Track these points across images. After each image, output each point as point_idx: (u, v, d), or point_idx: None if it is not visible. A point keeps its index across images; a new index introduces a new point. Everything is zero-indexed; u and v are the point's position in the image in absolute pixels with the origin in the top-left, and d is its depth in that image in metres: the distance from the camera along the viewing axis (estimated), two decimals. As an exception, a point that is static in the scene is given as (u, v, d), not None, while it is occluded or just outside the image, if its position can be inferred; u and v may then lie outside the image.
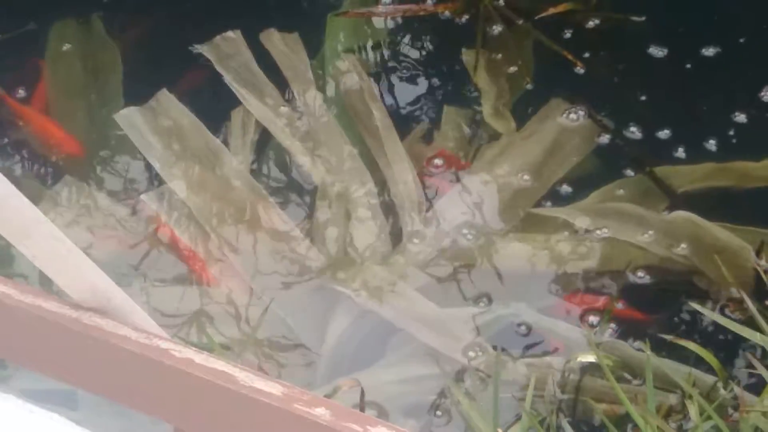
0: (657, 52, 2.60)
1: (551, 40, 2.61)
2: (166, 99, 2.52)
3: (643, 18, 2.66)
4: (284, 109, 2.54)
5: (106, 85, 2.65)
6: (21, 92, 2.61)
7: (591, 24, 2.66)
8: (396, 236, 2.36)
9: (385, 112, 2.55)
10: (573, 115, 2.47)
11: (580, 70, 2.57)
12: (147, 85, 2.60)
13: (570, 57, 2.58)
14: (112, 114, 2.52)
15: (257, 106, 2.54)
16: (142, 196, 2.40)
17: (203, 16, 2.82)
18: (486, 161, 2.45)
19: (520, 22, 2.67)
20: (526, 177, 2.42)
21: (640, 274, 2.24)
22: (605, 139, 2.47)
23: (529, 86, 2.58)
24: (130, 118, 2.50)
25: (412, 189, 2.41)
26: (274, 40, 2.66)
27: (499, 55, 2.64)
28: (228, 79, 2.57)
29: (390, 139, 2.49)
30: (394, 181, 2.42)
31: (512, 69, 2.61)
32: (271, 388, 1.00)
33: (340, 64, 2.64)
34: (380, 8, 2.75)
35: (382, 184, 2.44)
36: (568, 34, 2.64)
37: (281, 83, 2.60)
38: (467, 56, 2.65)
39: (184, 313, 2.24)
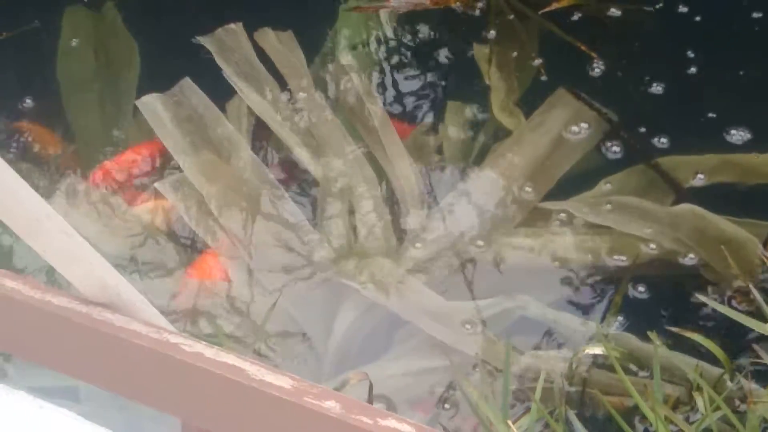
0: (665, 42, 2.60)
1: (563, 32, 2.61)
2: (188, 87, 2.53)
3: (654, 8, 2.66)
4: (284, 104, 2.54)
5: (120, 80, 2.65)
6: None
7: (598, 16, 2.66)
8: (401, 230, 2.36)
9: (382, 109, 2.54)
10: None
11: (597, 64, 2.56)
12: (149, 78, 2.62)
13: (584, 48, 2.58)
14: (123, 109, 2.53)
15: (256, 100, 2.54)
16: (156, 185, 2.41)
17: (203, 8, 2.82)
18: (493, 154, 2.45)
19: (531, 14, 2.66)
20: (532, 170, 2.42)
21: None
22: (611, 131, 2.47)
23: (543, 78, 2.58)
24: (151, 105, 2.50)
25: (413, 184, 2.41)
26: (269, 38, 2.66)
27: (510, 50, 2.64)
28: (228, 72, 2.58)
29: (388, 136, 2.49)
30: (395, 177, 2.43)
31: (524, 63, 2.61)
32: (282, 381, 1.00)
33: (339, 60, 2.64)
34: (392, 2, 2.75)
35: (384, 179, 2.44)
36: (573, 27, 2.64)
37: (281, 78, 2.60)
38: (479, 51, 2.65)
39: (189, 305, 2.24)
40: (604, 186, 2.38)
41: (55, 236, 0.98)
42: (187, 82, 2.53)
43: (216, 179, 2.40)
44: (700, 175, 2.36)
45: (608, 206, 2.34)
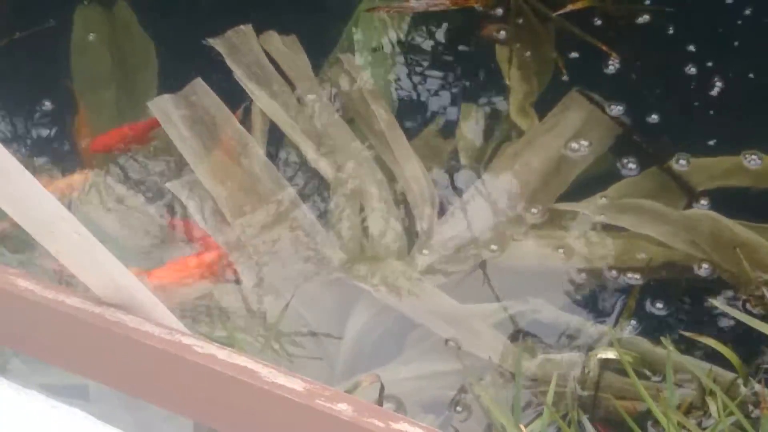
0: (683, 45, 2.60)
1: (583, 33, 2.61)
2: (200, 88, 2.53)
3: (671, 9, 2.65)
4: (294, 106, 2.54)
5: (136, 78, 2.66)
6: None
7: (614, 17, 2.65)
8: (413, 232, 2.36)
9: (389, 111, 2.54)
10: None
11: (612, 65, 2.56)
12: (163, 77, 2.63)
13: (604, 48, 2.57)
14: (139, 107, 2.54)
15: (267, 102, 2.54)
16: (168, 185, 2.41)
17: (214, 8, 2.83)
18: (507, 156, 2.45)
19: (551, 15, 2.66)
20: (546, 172, 2.41)
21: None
22: (624, 134, 2.46)
23: (562, 78, 2.57)
24: (162, 106, 2.51)
25: (423, 186, 2.41)
26: (275, 41, 2.66)
27: (530, 51, 2.63)
28: (238, 74, 2.58)
29: (395, 138, 2.49)
30: (405, 179, 2.42)
31: (543, 64, 2.60)
32: (294, 383, 1.00)
33: (352, 61, 2.64)
34: (412, 2, 2.75)
35: (394, 181, 2.44)
36: (590, 29, 2.64)
37: (291, 80, 2.61)
38: (500, 51, 2.64)
39: (200, 306, 2.24)
40: (617, 188, 2.38)
41: (69, 238, 0.98)
42: (198, 83, 2.53)
43: (227, 180, 2.40)
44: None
45: (621, 208, 2.34)
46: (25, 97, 2.65)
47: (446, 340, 2.16)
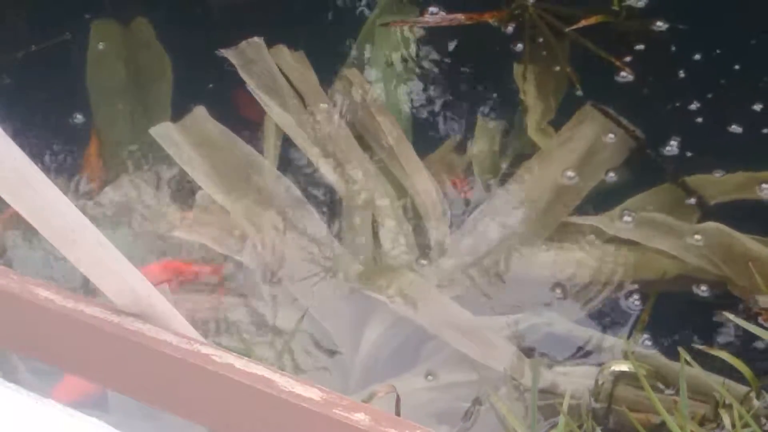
0: (696, 59, 2.60)
1: (597, 48, 2.61)
2: (201, 115, 2.53)
3: (684, 26, 2.66)
4: (306, 119, 2.55)
5: (151, 91, 2.67)
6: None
7: (627, 32, 2.66)
8: (426, 244, 2.36)
9: (397, 125, 2.55)
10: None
11: (628, 76, 2.57)
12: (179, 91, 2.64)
13: (618, 63, 2.58)
14: (155, 120, 2.54)
15: (279, 113, 2.55)
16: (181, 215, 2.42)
17: (227, 23, 2.84)
18: (522, 170, 2.45)
19: (565, 30, 2.67)
20: (560, 186, 2.42)
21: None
22: (638, 148, 2.47)
23: (579, 93, 2.57)
24: (166, 133, 2.51)
25: (434, 199, 2.41)
26: (284, 55, 2.67)
27: (546, 66, 2.64)
28: (251, 85, 2.59)
29: (404, 151, 2.49)
30: (416, 192, 2.43)
31: (558, 80, 2.61)
32: (311, 393, 1.00)
33: (362, 75, 2.65)
34: (427, 17, 2.76)
35: (405, 194, 2.44)
36: (602, 44, 2.64)
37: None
38: (516, 67, 2.65)
39: (217, 317, 2.25)
40: (631, 202, 2.38)
41: (90, 247, 0.99)
42: (200, 110, 2.53)
43: (241, 198, 2.41)
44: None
45: (635, 222, 2.34)
46: (42, 108, 2.67)
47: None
